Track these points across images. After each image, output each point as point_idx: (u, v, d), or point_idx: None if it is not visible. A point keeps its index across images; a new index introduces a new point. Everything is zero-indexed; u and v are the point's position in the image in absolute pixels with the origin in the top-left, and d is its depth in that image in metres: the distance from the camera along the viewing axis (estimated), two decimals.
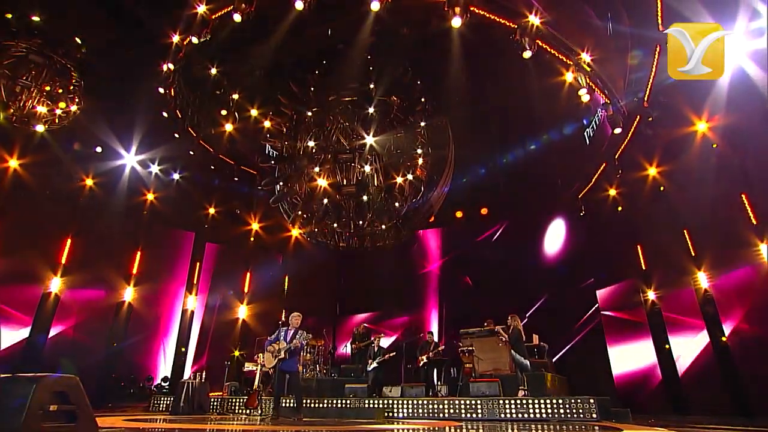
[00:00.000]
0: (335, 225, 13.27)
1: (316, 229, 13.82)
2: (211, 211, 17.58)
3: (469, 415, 8.50)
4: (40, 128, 14.36)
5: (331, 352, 14.51)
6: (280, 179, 13.53)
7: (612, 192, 15.38)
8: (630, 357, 14.62)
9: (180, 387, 10.96)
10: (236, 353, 17.42)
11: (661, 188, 14.36)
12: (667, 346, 14.22)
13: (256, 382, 10.62)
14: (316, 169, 12.59)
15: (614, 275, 15.43)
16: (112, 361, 15.61)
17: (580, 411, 7.84)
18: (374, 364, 12.11)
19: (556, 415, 7.99)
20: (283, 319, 8.99)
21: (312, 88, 12.75)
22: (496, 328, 10.59)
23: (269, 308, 18.51)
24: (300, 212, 13.52)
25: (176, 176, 16.62)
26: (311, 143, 12.45)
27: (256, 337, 17.87)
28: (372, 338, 13.16)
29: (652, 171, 14.36)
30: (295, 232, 18.85)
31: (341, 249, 14.75)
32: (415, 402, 9.25)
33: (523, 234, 16.56)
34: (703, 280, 13.52)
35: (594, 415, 7.73)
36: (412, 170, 12.94)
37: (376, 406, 9.29)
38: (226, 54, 12.89)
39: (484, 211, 16.82)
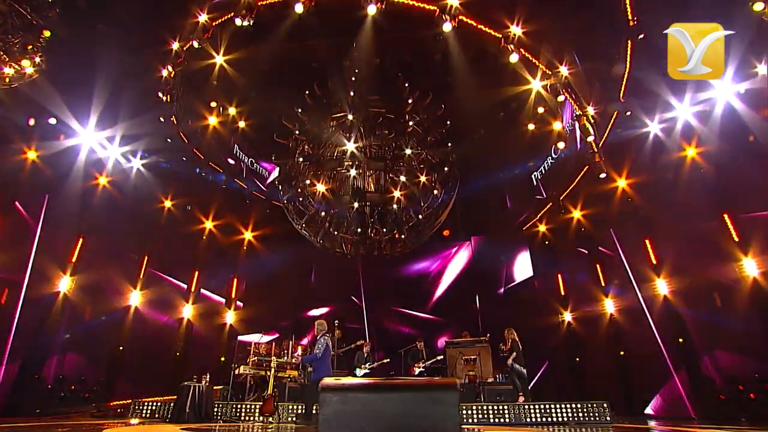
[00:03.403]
0: (358, 230, 12.59)
1: (336, 233, 12.92)
2: (167, 203, 15.51)
3: (498, 420, 8.72)
4: None
5: None
6: (296, 178, 12.47)
7: (542, 228, 17.13)
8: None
9: (184, 391, 9.34)
10: (177, 354, 15.49)
11: (582, 229, 16.37)
12: (577, 359, 16.10)
13: (270, 388, 9.50)
14: (353, 172, 11.94)
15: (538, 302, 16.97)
16: (36, 360, 12.76)
17: (596, 414, 8.55)
18: (365, 370, 11.72)
19: (574, 418, 8.60)
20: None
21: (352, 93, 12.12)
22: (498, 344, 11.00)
23: (216, 309, 16.89)
24: (323, 213, 12.57)
25: (137, 161, 14.37)
26: (351, 146, 11.71)
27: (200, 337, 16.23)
28: (352, 345, 12.71)
29: (577, 213, 16.31)
30: (249, 235, 17.46)
31: (348, 256, 14.01)
32: None
33: (477, 257, 17.45)
34: (610, 305, 15.68)
35: (608, 418, 8.48)
36: (432, 183, 12.98)
37: None
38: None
39: (446, 233, 17.37)
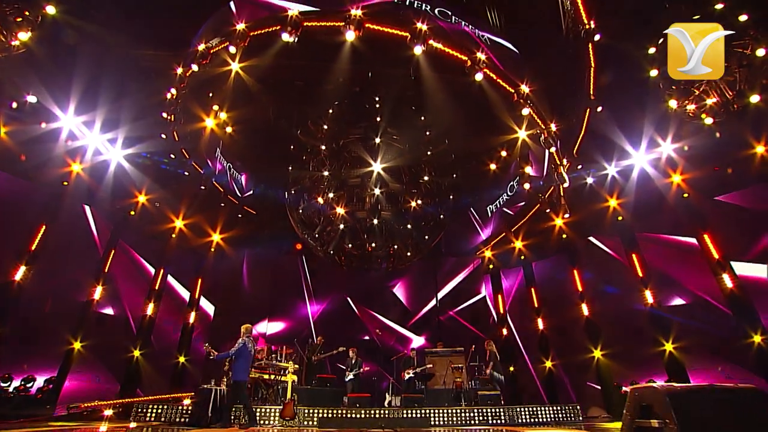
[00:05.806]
0: (373, 245, 12.52)
1: (350, 245, 12.70)
2: (142, 198, 14.21)
3: (495, 421, 9.36)
4: None
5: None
6: (313, 190, 12.16)
7: (488, 253, 18.60)
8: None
9: (205, 394, 8.57)
10: (136, 353, 14.06)
11: (522, 257, 18.10)
12: (511, 369, 17.51)
13: (289, 393, 9.09)
14: (377, 190, 11.93)
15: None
16: None
17: (570, 415, 9.59)
18: (351, 376, 11.78)
19: (554, 419, 9.55)
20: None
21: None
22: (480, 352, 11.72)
23: (179, 307, 15.69)
24: (341, 226, 12.37)
25: (116, 150, 13.07)
26: (377, 166, 11.74)
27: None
28: (334, 351, 12.66)
29: (519, 244, 18.00)
30: (217, 237, 16.52)
31: (344, 267, 13.81)
32: (449, 411, 9.52)
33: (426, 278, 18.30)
34: (540, 323, 17.45)
35: (581, 418, 9.56)
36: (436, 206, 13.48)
37: (415, 416, 9.21)
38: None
39: None
